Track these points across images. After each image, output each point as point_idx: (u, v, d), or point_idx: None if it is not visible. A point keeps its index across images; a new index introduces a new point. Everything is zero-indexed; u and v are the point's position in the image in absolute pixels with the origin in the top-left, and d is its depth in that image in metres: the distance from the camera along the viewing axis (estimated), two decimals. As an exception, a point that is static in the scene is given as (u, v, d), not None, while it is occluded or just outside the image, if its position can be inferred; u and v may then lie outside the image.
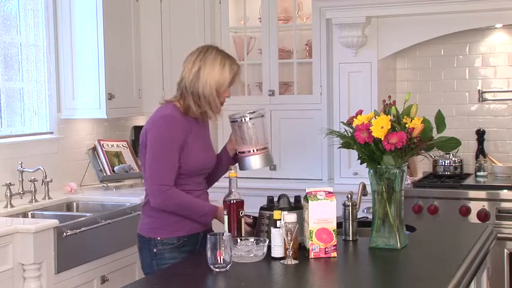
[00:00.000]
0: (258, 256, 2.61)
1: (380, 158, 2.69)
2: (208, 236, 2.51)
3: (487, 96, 4.91)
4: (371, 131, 2.64)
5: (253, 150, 3.06)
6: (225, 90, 3.01)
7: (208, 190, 3.18)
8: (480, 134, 4.89)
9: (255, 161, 3.07)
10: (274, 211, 2.70)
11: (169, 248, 2.97)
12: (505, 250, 4.21)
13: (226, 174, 2.98)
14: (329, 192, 2.68)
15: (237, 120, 3.05)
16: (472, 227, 3.50)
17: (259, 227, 2.84)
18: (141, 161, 3.11)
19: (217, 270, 2.48)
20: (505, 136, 4.90)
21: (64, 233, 3.70)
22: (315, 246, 2.64)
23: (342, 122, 2.87)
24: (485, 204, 4.28)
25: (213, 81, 2.97)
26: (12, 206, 4.05)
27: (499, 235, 3.65)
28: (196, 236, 3.01)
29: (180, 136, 2.94)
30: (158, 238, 2.98)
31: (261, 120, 3.07)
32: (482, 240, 2.93)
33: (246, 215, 2.90)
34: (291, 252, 2.56)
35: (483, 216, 4.25)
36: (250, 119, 3.03)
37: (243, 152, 3.08)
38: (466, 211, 4.30)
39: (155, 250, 2.98)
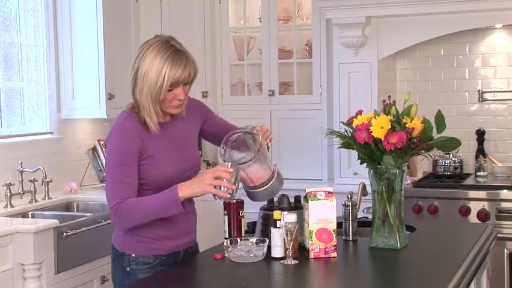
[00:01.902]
0: (258, 256, 2.61)
1: (380, 158, 2.68)
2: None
3: (487, 96, 4.91)
4: (371, 131, 2.64)
5: (257, 186, 2.69)
6: (167, 96, 2.56)
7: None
8: (480, 134, 4.89)
9: (263, 195, 2.72)
10: (274, 211, 2.69)
11: (144, 268, 2.63)
12: (505, 250, 4.21)
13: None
14: (329, 192, 2.68)
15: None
16: (472, 227, 3.50)
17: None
18: None
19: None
20: (505, 136, 4.89)
21: (64, 233, 3.70)
22: (315, 246, 2.63)
23: (342, 122, 2.87)
24: (485, 204, 4.28)
25: (146, 88, 2.55)
26: (12, 206, 4.05)
27: (499, 235, 3.64)
28: (176, 255, 2.69)
29: (132, 148, 2.58)
30: (133, 255, 2.64)
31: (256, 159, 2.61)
32: (482, 240, 2.93)
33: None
34: (291, 252, 2.56)
35: (483, 216, 4.25)
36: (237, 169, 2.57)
37: (248, 186, 2.72)
38: (466, 211, 4.30)
39: (128, 269, 2.64)
